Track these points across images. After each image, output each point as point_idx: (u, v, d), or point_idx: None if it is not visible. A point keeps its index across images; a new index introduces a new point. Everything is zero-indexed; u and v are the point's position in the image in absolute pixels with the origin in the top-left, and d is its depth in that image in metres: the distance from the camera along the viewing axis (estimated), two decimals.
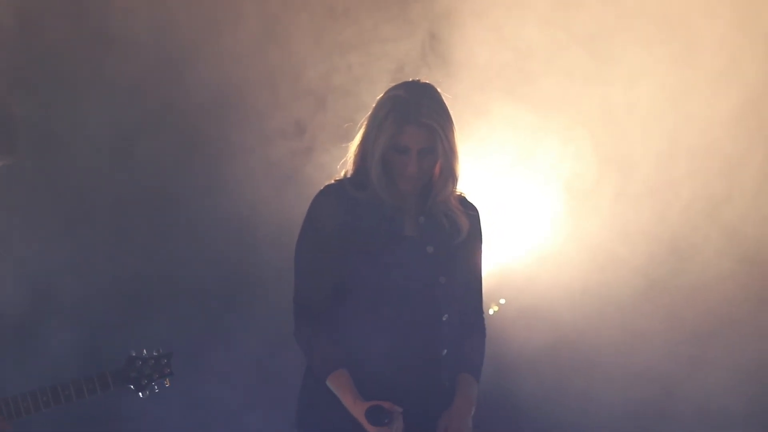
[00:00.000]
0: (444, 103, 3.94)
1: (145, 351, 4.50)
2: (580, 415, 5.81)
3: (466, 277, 4.06)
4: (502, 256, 5.77)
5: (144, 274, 5.78)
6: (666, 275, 5.82)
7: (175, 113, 5.68)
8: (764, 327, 5.76)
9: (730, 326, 5.76)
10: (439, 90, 3.96)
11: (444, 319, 3.98)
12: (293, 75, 5.73)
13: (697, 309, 5.79)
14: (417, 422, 3.92)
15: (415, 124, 3.87)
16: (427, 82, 3.98)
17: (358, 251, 3.91)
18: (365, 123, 3.96)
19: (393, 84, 4.00)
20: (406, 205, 3.99)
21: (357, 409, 3.84)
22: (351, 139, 3.99)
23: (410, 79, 3.99)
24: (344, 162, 4.01)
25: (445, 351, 4.00)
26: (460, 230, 4.02)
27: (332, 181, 4.01)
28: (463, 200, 4.09)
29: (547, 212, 5.85)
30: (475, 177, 5.54)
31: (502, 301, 5.82)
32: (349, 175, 3.99)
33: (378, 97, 3.97)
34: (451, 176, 3.95)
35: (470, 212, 4.08)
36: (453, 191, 4.00)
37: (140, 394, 4.48)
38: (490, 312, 5.79)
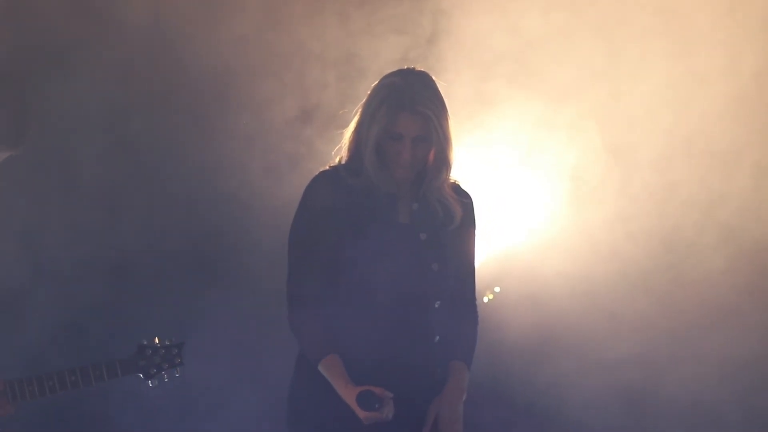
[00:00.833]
0: (438, 91, 3.96)
1: (157, 339, 4.48)
2: (574, 403, 5.81)
3: (458, 264, 4.07)
4: (504, 244, 5.78)
5: (136, 253, 5.81)
6: (664, 268, 5.82)
7: (172, 94, 5.71)
8: (759, 320, 5.73)
9: (727, 319, 5.74)
10: (433, 78, 3.97)
11: (436, 306, 4.00)
12: (295, 59, 5.75)
13: (693, 302, 5.78)
14: (408, 408, 3.93)
15: (410, 111, 3.89)
16: (422, 70, 3.99)
17: (352, 237, 3.93)
18: (360, 110, 3.98)
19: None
20: (399, 192, 4.01)
21: (348, 393, 3.86)
22: (346, 125, 4.01)
23: (405, 67, 4.00)
24: (339, 148, 4.03)
25: (438, 338, 4.01)
26: (454, 217, 4.03)
27: (327, 168, 4.03)
28: (456, 188, 4.10)
29: (552, 203, 5.85)
30: (481, 166, 5.57)
31: (497, 289, 5.83)
32: (343, 162, 4.01)
33: (373, 85, 3.99)
34: (444, 164, 3.97)
35: (464, 200, 4.09)
36: (447, 179, 4.02)
37: (149, 382, 4.46)
38: (485, 300, 5.80)
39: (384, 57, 5.54)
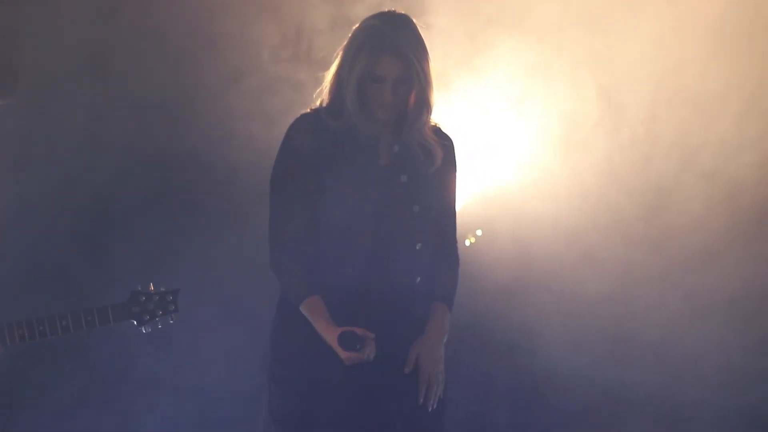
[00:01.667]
0: (419, 34, 3.96)
1: (151, 286, 4.47)
2: (556, 343, 5.84)
3: (440, 206, 4.09)
4: (493, 186, 5.79)
5: (118, 193, 5.84)
6: (647, 213, 5.84)
7: (160, 33, 5.71)
8: (738, 262, 5.74)
9: (707, 261, 5.77)
10: (414, 20, 3.98)
11: (417, 247, 4.01)
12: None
13: (675, 244, 5.81)
14: (389, 349, 3.96)
15: (391, 54, 3.90)
16: (403, 12, 4.00)
17: (332, 179, 3.95)
18: (340, 53, 3.99)
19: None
20: (380, 135, 4.02)
21: (329, 334, 3.89)
22: (327, 68, 4.02)
23: (386, 10, 4.01)
24: (320, 91, 4.04)
25: (419, 279, 4.04)
26: (435, 159, 4.04)
27: (307, 110, 4.05)
28: (437, 130, 4.11)
29: (542, 148, 5.85)
30: (472, 111, 5.58)
31: (479, 232, 5.85)
32: (324, 105, 4.02)
33: (353, 27, 4.00)
34: (425, 106, 3.98)
35: (445, 142, 4.10)
36: (427, 121, 4.03)
37: (142, 329, 4.47)
38: (467, 243, 5.82)
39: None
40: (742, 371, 5.81)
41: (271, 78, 5.74)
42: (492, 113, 5.75)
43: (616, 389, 5.89)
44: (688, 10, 5.70)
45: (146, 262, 5.72)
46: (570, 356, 5.85)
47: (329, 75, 4.01)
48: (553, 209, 5.84)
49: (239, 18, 5.74)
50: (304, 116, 4.03)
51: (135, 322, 4.46)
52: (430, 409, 4.01)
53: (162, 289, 4.50)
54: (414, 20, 3.98)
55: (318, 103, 4.05)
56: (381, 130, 4.02)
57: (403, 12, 4.00)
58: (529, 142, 5.83)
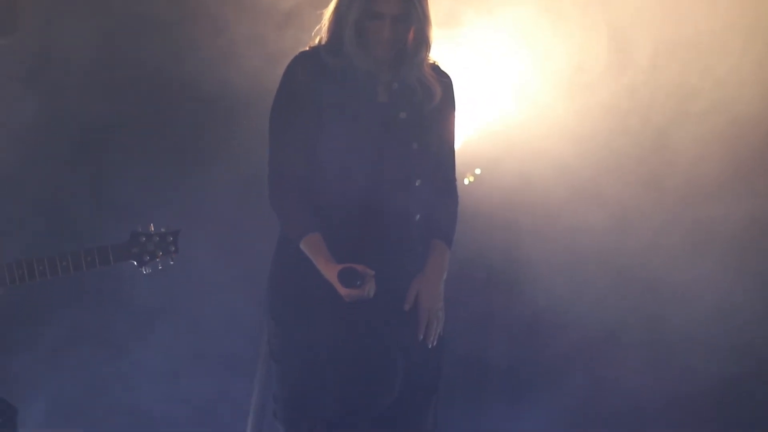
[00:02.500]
0: None
1: (151, 227, 4.48)
2: (557, 280, 5.88)
3: (438, 144, 4.10)
4: (499, 124, 5.80)
5: (116, 125, 5.85)
6: (651, 152, 5.84)
7: None
8: (738, 197, 5.78)
9: (708, 198, 5.80)
10: None
11: (417, 184, 4.03)
12: None
13: (678, 180, 5.83)
14: (389, 286, 3.98)
15: None
16: None
17: (331, 116, 3.96)
18: None
19: None
20: (379, 72, 4.02)
21: (329, 271, 3.91)
22: (326, 6, 4.02)
23: None
24: (318, 29, 4.04)
25: (418, 216, 4.05)
26: (433, 96, 4.05)
27: (306, 48, 4.05)
28: (436, 68, 4.12)
29: (551, 89, 5.85)
30: (483, 50, 5.57)
31: (478, 171, 5.86)
32: (323, 43, 4.02)
33: None
34: (424, 42, 3.98)
35: (443, 79, 4.11)
36: (426, 58, 4.03)
37: (143, 270, 4.48)
38: (465, 182, 5.82)
39: None
40: (738, 308, 5.85)
41: (280, 14, 5.73)
42: (500, 53, 5.73)
43: (615, 324, 5.92)
44: None
45: (145, 197, 5.73)
46: (569, 292, 5.88)
47: (328, 12, 4.01)
48: (558, 147, 5.84)
49: None
50: (303, 54, 4.03)
51: (135, 263, 4.47)
52: (429, 346, 4.04)
53: (162, 230, 4.51)
54: None
55: (317, 41, 4.05)
56: (380, 68, 4.01)
57: None
58: (535, 83, 5.82)
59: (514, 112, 5.82)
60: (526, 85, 5.82)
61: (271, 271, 4.10)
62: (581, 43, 5.79)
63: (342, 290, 3.89)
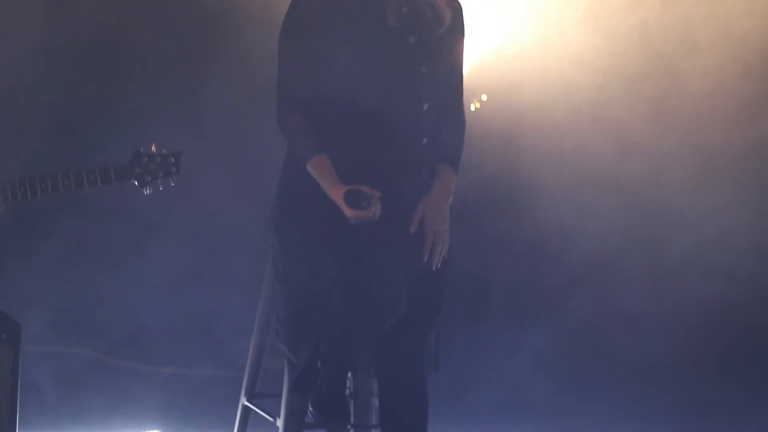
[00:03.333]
0: None
1: (153, 147, 4.44)
2: (558, 205, 5.88)
3: (447, 69, 4.09)
4: (515, 48, 5.77)
5: (119, 40, 5.81)
6: (659, 77, 5.81)
7: None
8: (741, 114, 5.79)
9: (715, 114, 5.79)
10: None
11: (425, 108, 4.02)
12: None
13: (686, 101, 5.81)
14: (394, 208, 3.98)
15: None
16: None
17: (340, 40, 3.94)
18: None
19: None
20: None
21: (336, 192, 3.91)
22: None
23: None
24: None
25: (425, 140, 4.05)
26: (443, 20, 4.02)
27: None
28: None
29: (566, 16, 5.81)
30: None
31: (484, 97, 5.84)
32: None
33: None
34: None
35: (453, 4, 4.09)
36: None
37: (144, 190, 4.46)
38: (472, 108, 5.82)
39: None
40: (739, 235, 5.86)
41: None
42: None
43: (619, 248, 5.95)
44: None
45: (149, 116, 5.71)
46: (574, 216, 5.90)
47: None
48: (570, 73, 5.81)
49: None
50: None
51: (136, 183, 4.44)
52: (434, 268, 4.05)
53: (164, 150, 4.47)
54: None
55: None
56: None
57: None
58: (553, 8, 5.78)
59: (531, 36, 5.78)
60: (544, 11, 5.77)
61: (278, 191, 4.10)
62: None
63: (348, 211, 3.90)
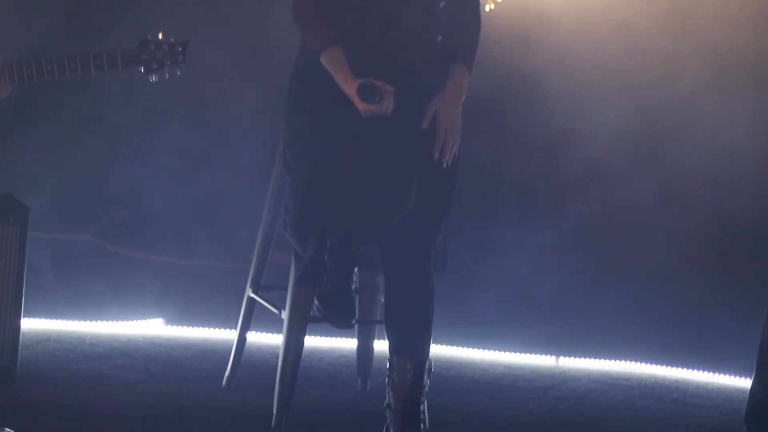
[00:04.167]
0: None
1: (161, 35, 4.39)
2: (570, 103, 5.87)
3: None
4: None
5: None
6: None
7: None
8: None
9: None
10: None
11: (441, 5, 3.99)
12: None
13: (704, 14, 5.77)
14: (407, 104, 3.96)
15: None
16: None
17: None
18: None
19: None
20: None
21: (349, 85, 3.88)
22: None
23: None
24: None
25: (440, 38, 4.02)
26: None
27: None
28: None
29: None
30: None
31: None
32: None
33: None
34: None
35: None
36: None
37: (149, 77, 4.42)
38: (487, 9, 5.76)
39: None
40: (744, 143, 5.84)
41: None
42: None
43: (629, 151, 5.93)
44: None
45: (156, 3, 5.65)
46: (585, 117, 5.87)
47: None
48: None
49: None
50: None
51: (142, 69, 4.40)
52: (444, 165, 4.02)
53: (171, 39, 4.43)
54: None
55: None
56: None
57: None
58: None
59: None
60: None
61: (290, 81, 4.07)
62: None
63: (360, 105, 3.87)
